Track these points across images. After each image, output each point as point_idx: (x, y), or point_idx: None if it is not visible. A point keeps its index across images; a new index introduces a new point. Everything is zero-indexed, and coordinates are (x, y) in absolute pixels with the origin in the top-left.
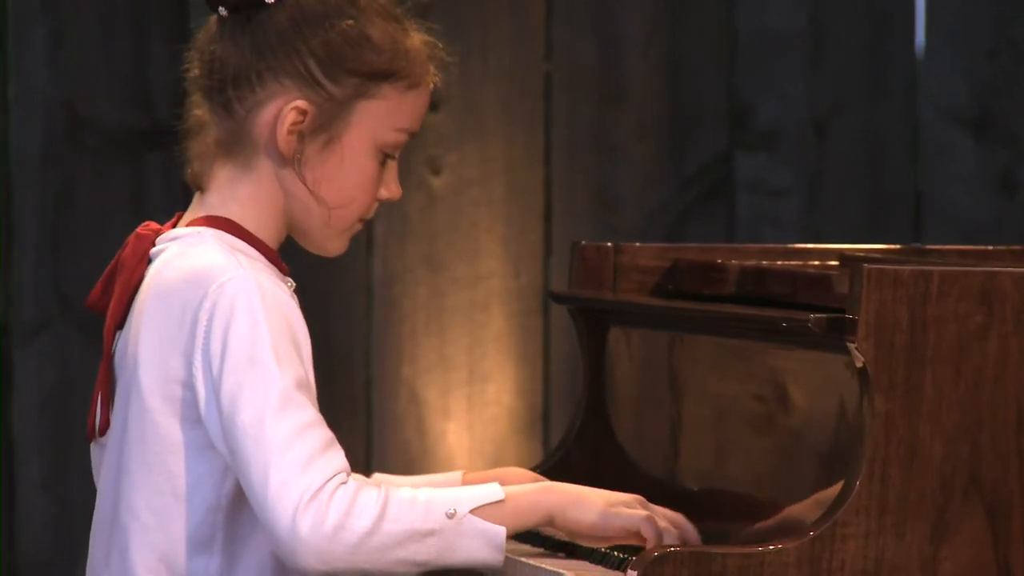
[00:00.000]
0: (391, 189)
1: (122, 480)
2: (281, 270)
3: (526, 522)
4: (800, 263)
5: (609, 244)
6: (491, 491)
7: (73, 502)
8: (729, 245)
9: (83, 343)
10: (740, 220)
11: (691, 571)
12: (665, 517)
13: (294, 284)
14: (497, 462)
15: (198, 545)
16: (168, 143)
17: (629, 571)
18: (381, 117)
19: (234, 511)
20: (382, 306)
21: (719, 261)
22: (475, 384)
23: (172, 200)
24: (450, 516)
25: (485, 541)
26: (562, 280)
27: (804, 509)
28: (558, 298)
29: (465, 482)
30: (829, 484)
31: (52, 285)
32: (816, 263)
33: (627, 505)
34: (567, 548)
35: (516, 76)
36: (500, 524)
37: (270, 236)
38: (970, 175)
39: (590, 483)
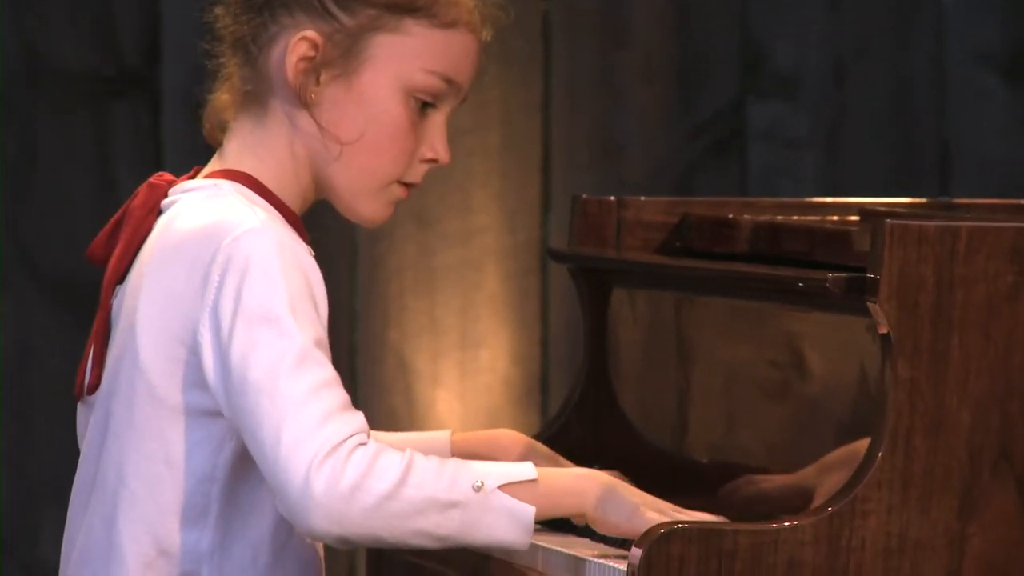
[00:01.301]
0: (436, 149)
1: (110, 444)
2: (302, 236)
3: (557, 508)
4: (818, 218)
5: (612, 198)
6: (524, 469)
7: (35, 476)
8: (741, 199)
9: (45, 305)
10: (753, 172)
11: (700, 549)
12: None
13: (312, 252)
14: None
15: (189, 518)
16: (136, 90)
17: (633, 549)
18: (405, 55)
19: (231, 484)
20: (367, 265)
21: (730, 216)
22: (467, 349)
23: (140, 153)
24: (477, 489)
25: (513, 520)
26: (562, 237)
27: (822, 482)
28: (557, 256)
29: (454, 443)
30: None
31: (10, 242)
32: (835, 218)
33: (658, 511)
34: (566, 525)
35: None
36: (530, 504)
37: (292, 195)
38: (1002, 123)
39: (591, 457)
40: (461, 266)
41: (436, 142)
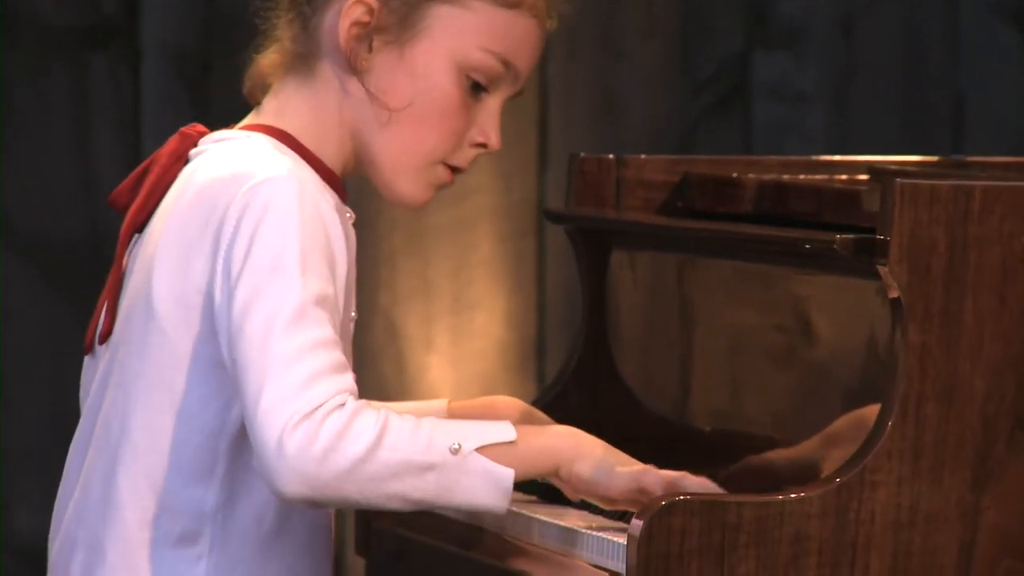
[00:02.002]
0: (487, 134)
1: (116, 395)
2: (341, 196)
3: (534, 469)
4: (825, 177)
5: (611, 156)
6: (502, 429)
7: (8, 443)
8: (746, 157)
9: (19, 265)
10: (758, 129)
11: (702, 522)
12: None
13: (353, 216)
14: None
15: (195, 474)
16: (114, 43)
17: (633, 520)
18: (463, 30)
19: (240, 440)
20: (356, 225)
21: (735, 175)
22: (460, 313)
23: (121, 108)
24: (454, 451)
25: (491, 483)
26: (559, 196)
27: (829, 453)
28: (554, 217)
29: (450, 411)
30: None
31: None
32: (843, 177)
33: (627, 467)
34: (563, 497)
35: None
36: (509, 467)
37: (333, 159)
38: (1018, 77)
39: (590, 425)
40: (454, 227)
41: (488, 127)
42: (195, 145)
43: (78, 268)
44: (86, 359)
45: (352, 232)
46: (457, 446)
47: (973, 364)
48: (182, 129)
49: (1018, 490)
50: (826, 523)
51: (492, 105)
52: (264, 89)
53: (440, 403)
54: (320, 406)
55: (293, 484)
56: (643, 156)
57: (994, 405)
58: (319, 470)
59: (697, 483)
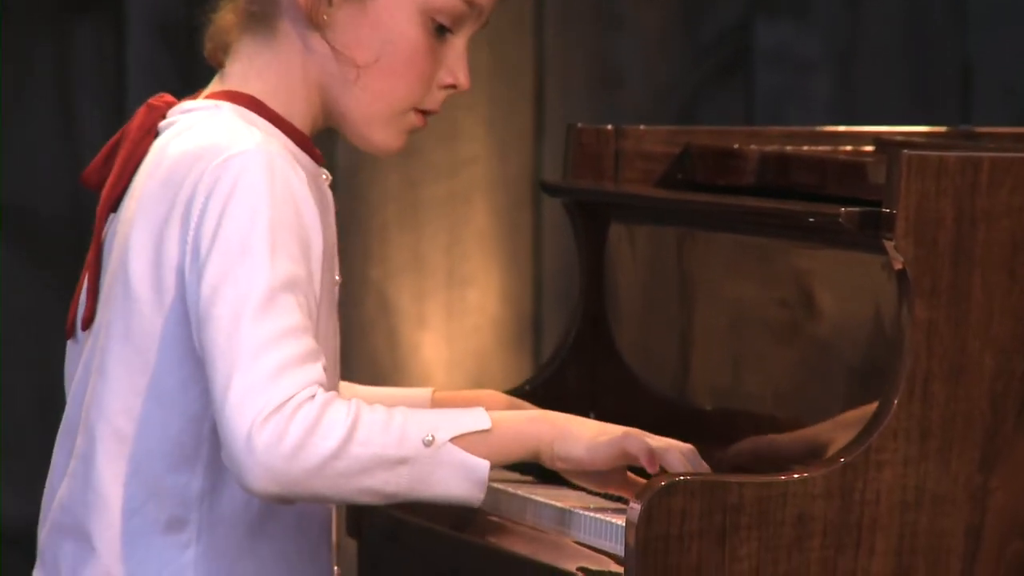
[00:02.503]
0: (456, 75)
1: (97, 382)
2: (314, 158)
3: (511, 456)
4: (830, 148)
5: (610, 127)
6: (476, 418)
7: None
8: (748, 128)
9: (4, 247)
10: (761, 98)
11: (703, 503)
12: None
13: (330, 177)
14: (480, 378)
15: (179, 459)
16: (99, 10)
17: (632, 502)
18: None
19: None
20: (346, 197)
21: (736, 146)
22: (454, 288)
23: (105, 77)
24: (427, 444)
25: (464, 475)
26: (556, 168)
27: (834, 432)
28: (551, 189)
29: (435, 402)
30: (863, 403)
31: None
32: (849, 148)
33: (609, 434)
34: (559, 476)
35: None
36: (483, 457)
37: (302, 119)
38: None
39: (587, 403)
40: (448, 199)
41: (456, 67)
42: (163, 117)
43: (63, 245)
44: (68, 344)
45: (329, 194)
46: (430, 438)
47: (981, 341)
48: (149, 101)
49: None
50: (830, 504)
51: (458, 45)
52: (225, 50)
53: (424, 392)
54: (290, 399)
55: (262, 481)
56: (642, 127)
57: (1003, 383)
58: (289, 467)
59: (679, 460)
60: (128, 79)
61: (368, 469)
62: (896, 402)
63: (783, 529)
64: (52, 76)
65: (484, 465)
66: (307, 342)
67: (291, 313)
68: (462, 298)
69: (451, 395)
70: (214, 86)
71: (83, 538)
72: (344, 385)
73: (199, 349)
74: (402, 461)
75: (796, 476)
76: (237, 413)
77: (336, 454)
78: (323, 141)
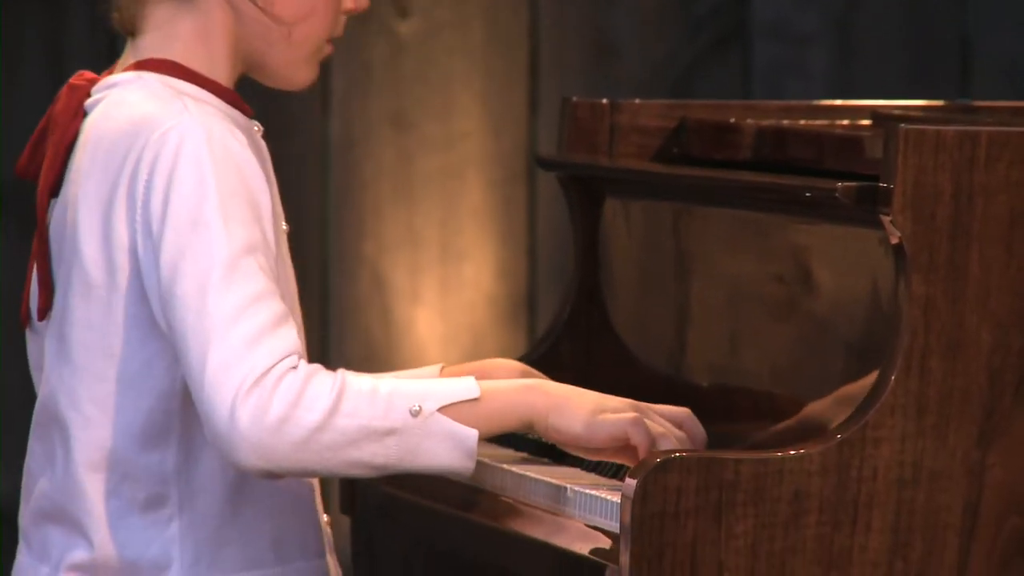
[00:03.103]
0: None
1: (62, 369)
2: (244, 112)
3: (501, 425)
4: (827, 122)
5: (605, 101)
6: (464, 387)
7: None
8: (745, 101)
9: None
10: (757, 72)
11: (699, 480)
12: (667, 416)
13: (261, 128)
14: (475, 353)
15: (151, 438)
16: None
17: (627, 480)
18: None
19: (191, 398)
20: (340, 172)
21: (732, 120)
22: (449, 264)
23: (98, 53)
24: (414, 414)
25: (453, 445)
26: (550, 142)
27: (830, 408)
28: (546, 163)
29: (444, 377)
30: (859, 379)
31: None
32: (846, 123)
33: (616, 411)
34: (553, 452)
35: None
36: (473, 426)
37: (223, 76)
38: None
39: (582, 379)
40: (442, 173)
41: None
42: (88, 95)
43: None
44: (28, 334)
45: (263, 145)
46: (417, 408)
47: (979, 316)
48: (70, 81)
49: None
50: (827, 481)
51: None
52: (135, 19)
53: (432, 369)
54: (270, 369)
55: (249, 457)
56: (638, 100)
57: (1000, 358)
58: (274, 441)
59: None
60: (120, 48)
61: (355, 441)
62: (893, 378)
63: (779, 506)
64: (44, 51)
65: (473, 434)
66: (276, 305)
67: (255, 278)
68: (456, 273)
69: (459, 368)
70: (129, 56)
71: (68, 523)
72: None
73: (166, 328)
74: (389, 432)
75: (792, 453)
76: (217, 389)
77: (321, 426)
78: (316, 116)
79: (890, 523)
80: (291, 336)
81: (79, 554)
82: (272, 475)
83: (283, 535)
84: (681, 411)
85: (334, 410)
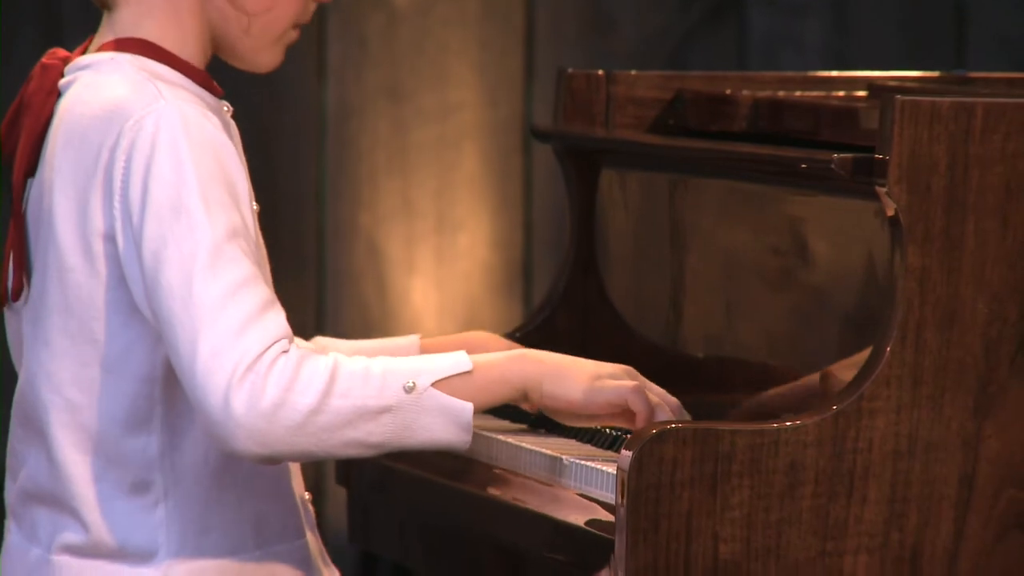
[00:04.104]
0: None
1: (41, 353)
2: (214, 92)
3: (496, 397)
4: (823, 94)
5: (601, 71)
6: (456, 361)
7: None
8: (740, 73)
9: None
10: (753, 43)
11: (695, 451)
12: (659, 394)
13: (231, 109)
14: (470, 324)
15: (134, 423)
16: None
17: (623, 451)
18: None
19: (173, 382)
20: (336, 143)
21: (728, 92)
22: (444, 234)
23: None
24: (408, 390)
25: (449, 419)
26: (546, 113)
27: (826, 379)
28: (541, 134)
29: (423, 348)
30: (855, 351)
31: None
32: (841, 94)
33: (613, 377)
34: (549, 423)
35: None
36: (467, 399)
37: (194, 56)
38: None
39: (578, 350)
40: (437, 144)
41: None
42: (62, 75)
43: None
44: (6, 312)
45: (233, 125)
46: (411, 384)
47: (975, 288)
48: (42, 60)
49: (1020, 418)
50: (822, 452)
51: None
52: None
53: (411, 340)
54: (261, 354)
55: (246, 443)
56: (634, 72)
57: (996, 330)
58: (269, 427)
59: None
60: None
61: (351, 421)
62: (889, 349)
63: (775, 477)
64: (39, 21)
65: (468, 407)
66: (262, 290)
67: (239, 264)
68: (452, 244)
69: (439, 340)
70: (105, 33)
71: (55, 505)
72: (328, 341)
73: (150, 316)
74: (385, 410)
75: (788, 424)
76: (209, 377)
77: (317, 408)
78: (312, 87)
79: (886, 494)
80: (280, 320)
81: (70, 536)
82: (270, 460)
83: (264, 518)
84: (674, 401)
85: (328, 392)
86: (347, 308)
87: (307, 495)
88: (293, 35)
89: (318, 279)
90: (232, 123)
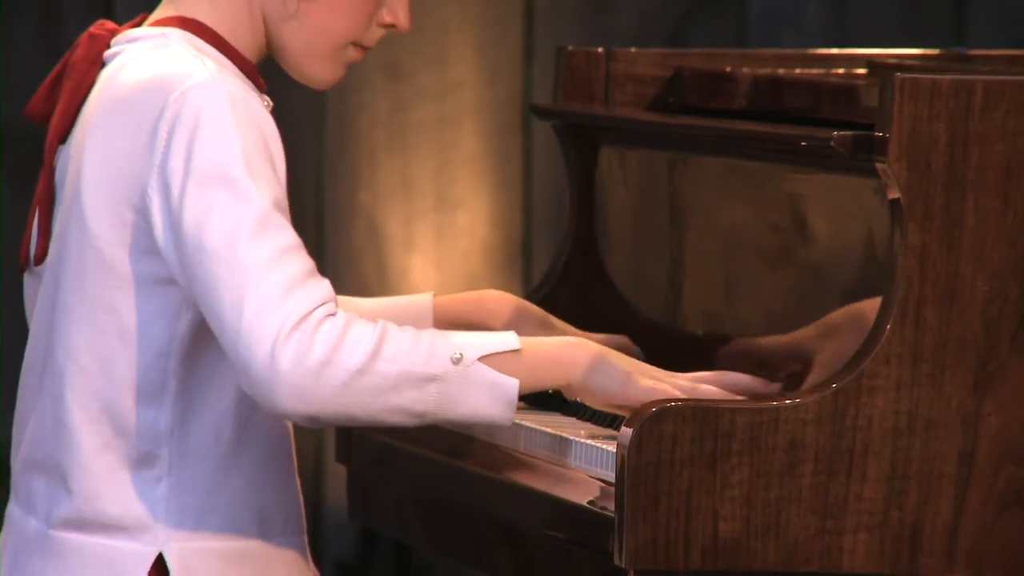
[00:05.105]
0: (396, 15)
1: (59, 318)
2: (258, 86)
3: (543, 380)
4: (823, 71)
5: (601, 49)
6: (505, 339)
7: None
8: (740, 50)
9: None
10: (753, 20)
11: (695, 428)
12: (716, 383)
13: (271, 104)
14: None
15: (146, 395)
16: None
17: (623, 428)
18: None
19: (189, 357)
20: (335, 122)
21: (728, 69)
22: (444, 212)
23: (93, 6)
24: (455, 361)
25: (495, 394)
26: (546, 91)
27: (826, 358)
28: (541, 112)
29: (437, 306)
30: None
31: None
32: (841, 71)
33: (656, 379)
34: (548, 401)
35: None
36: (513, 376)
37: (248, 47)
38: None
39: (578, 328)
40: (437, 123)
41: (397, 7)
42: (108, 46)
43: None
44: (25, 276)
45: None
46: (458, 356)
47: (975, 265)
48: (90, 30)
49: (1020, 396)
50: (822, 430)
51: None
52: None
53: (425, 297)
54: (308, 315)
55: (289, 399)
56: (633, 49)
57: (996, 307)
58: (315, 385)
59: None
60: (117, 9)
61: (396, 386)
62: (888, 327)
63: (775, 455)
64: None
65: (513, 383)
66: (307, 259)
67: (285, 232)
68: (451, 222)
69: (452, 299)
70: (161, 11)
71: (56, 474)
72: (342, 299)
73: (188, 285)
74: (431, 379)
75: (788, 402)
76: (255, 336)
77: (363, 369)
78: None
79: (885, 472)
80: (326, 285)
81: (65, 508)
82: (312, 420)
83: (268, 508)
84: (734, 377)
85: (375, 354)
86: (347, 286)
87: (301, 498)
88: (352, 53)
89: (317, 257)
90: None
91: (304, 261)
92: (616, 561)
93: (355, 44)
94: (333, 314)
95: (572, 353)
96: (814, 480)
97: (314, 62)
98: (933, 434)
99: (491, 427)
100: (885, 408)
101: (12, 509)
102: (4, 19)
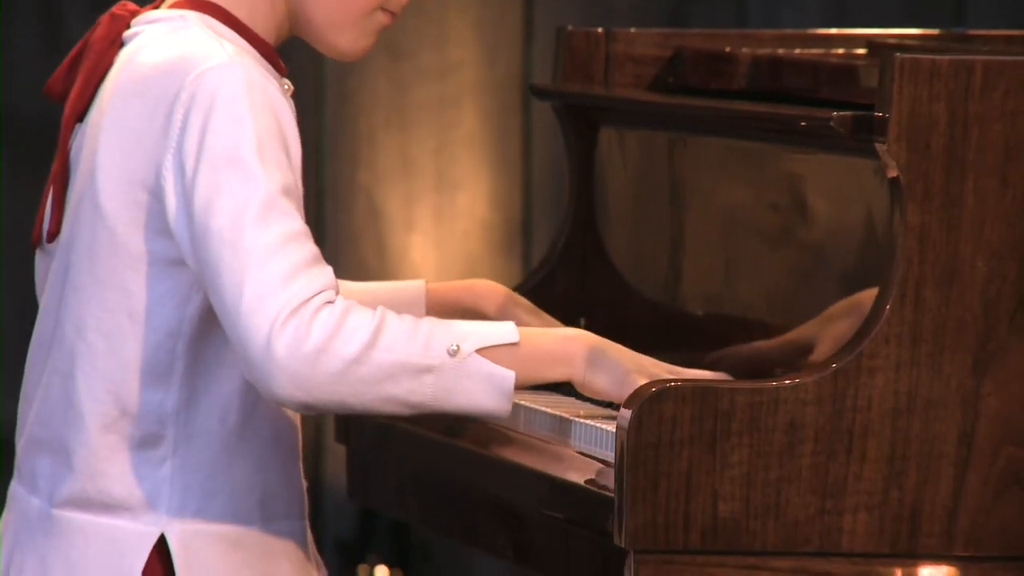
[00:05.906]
0: None
1: (69, 296)
2: (278, 69)
3: (540, 373)
4: (822, 52)
5: (600, 29)
6: (503, 331)
7: None
8: (740, 31)
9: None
10: (753, 1)
11: (694, 409)
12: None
13: (292, 87)
14: None
15: (154, 376)
16: None
17: (622, 408)
18: None
19: (198, 339)
20: (335, 101)
21: (728, 49)
22: (443, 193)
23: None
24: (452, 353)
25: (491, 386)
26: (545, 71)
27: (825, 338)
28: (540, 92)
29: (429, 293)
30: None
31: None
32: (841, 52)
33: (654, 377)
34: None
35: None
36: (510, 369)
37: (266, 28)
38: None
39: (578, 309)
40: (437, 102)
41: None
42: (127, 27)
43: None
44: (37, 254)
45: (291, 104)
46: (456, 347)
47: (974, 246)
48: (112, 10)
49: (1019, 376)
50: (822, 410)
51: None
52: None
53: (417, 284)
54: (306, 301)
55: (285, 385)
56: (633, 29)
57: (996, 288)
58: (311, 372)
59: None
60: None
61: (392, 376)
62: (888, 307)
63: (774, 435)
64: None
65: (510, 375)
66: (312, 247)
67: (291, 218)
68: (451, 202)
69: (444, 286)
70: None
71: (60, 452)
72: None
73: (194, 266)
74: (427, 370)
75: (787, 382)
76: (254, 319)
77: (359, 359)
78: (304, 43)
79: (885, 452)
80: (328, 273)
81: (68, 486)
82: (309, 408)
83: (271, 494)
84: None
85: (372, 343)
86: (346, 266)
87: (304, 483)
88: (381, 18)
89: (317, 237)
90: (291, 102)
91: (308, 248)
92: (616, 541)
93: (383, 8)
94: (332, 301)
95: (571, 347)
96: (814, 460)
97: (341, 31)
98: (933, 414)
99: (487, 417)
100: (885, 388)
101: (15, 488)
102: (4, 19)
